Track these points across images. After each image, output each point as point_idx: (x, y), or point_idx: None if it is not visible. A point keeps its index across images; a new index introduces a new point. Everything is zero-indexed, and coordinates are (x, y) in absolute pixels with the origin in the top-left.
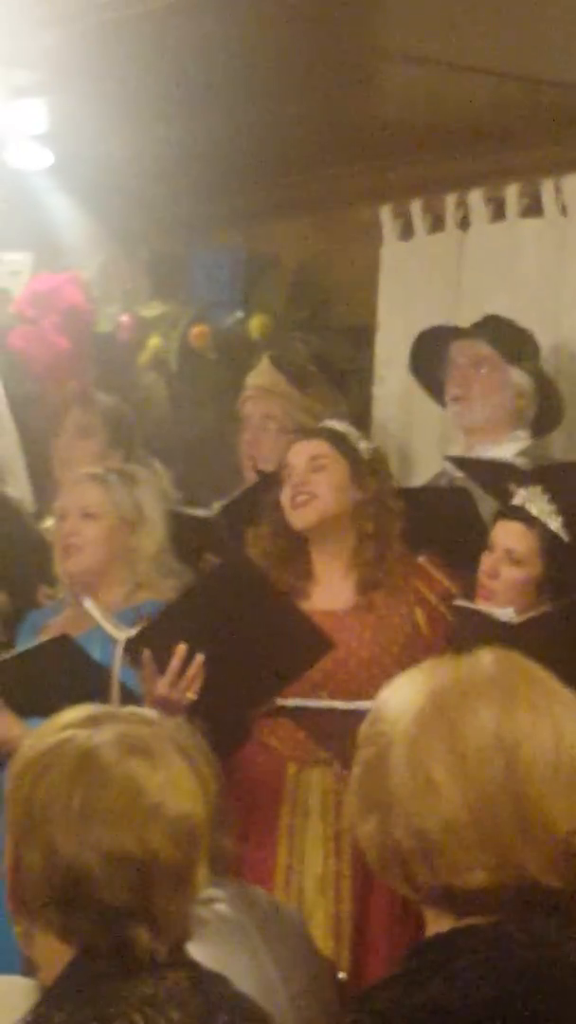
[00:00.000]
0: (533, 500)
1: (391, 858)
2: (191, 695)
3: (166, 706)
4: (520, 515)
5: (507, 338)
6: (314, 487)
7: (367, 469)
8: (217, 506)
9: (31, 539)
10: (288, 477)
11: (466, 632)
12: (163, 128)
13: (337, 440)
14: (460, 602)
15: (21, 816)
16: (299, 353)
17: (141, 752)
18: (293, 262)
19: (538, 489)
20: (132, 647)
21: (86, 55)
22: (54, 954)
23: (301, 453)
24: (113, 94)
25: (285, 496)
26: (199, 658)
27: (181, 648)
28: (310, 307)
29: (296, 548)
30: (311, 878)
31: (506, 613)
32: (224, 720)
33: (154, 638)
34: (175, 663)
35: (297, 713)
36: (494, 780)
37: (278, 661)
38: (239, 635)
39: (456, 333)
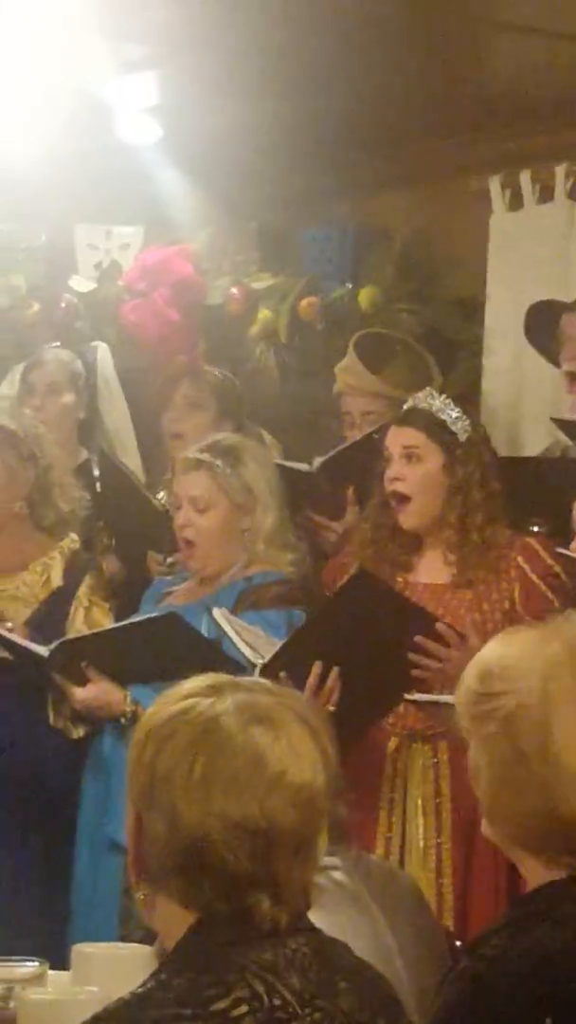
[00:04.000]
0: None
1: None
2: (330, 707)
3: None
4: None
5: None
6: (409, 484)
7: (463, 453)
8: (317, 461)
9: (144, 509)
10: (387, 461)
11: None
12: (272, 101)
13: (432, 427)
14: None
15: (144, 784)
16: (403, 326)
17: (263, 721)
18: (402, 234)
19: None
20: (269, 670)
21: (196, 29)
22: (175, 921)
23: (395, 440)
24: (222, 68)
25: (386, 479)
26: (335, 672)
27: (317, 665)
28: (419, 279)
29: None
30: (412, 851)
31: None
32: (357, 726)
33: (289, 659)
34: (312, 680)
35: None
36: None
37: (408, 666)
38: (370, 646)
39: (566, 306)
